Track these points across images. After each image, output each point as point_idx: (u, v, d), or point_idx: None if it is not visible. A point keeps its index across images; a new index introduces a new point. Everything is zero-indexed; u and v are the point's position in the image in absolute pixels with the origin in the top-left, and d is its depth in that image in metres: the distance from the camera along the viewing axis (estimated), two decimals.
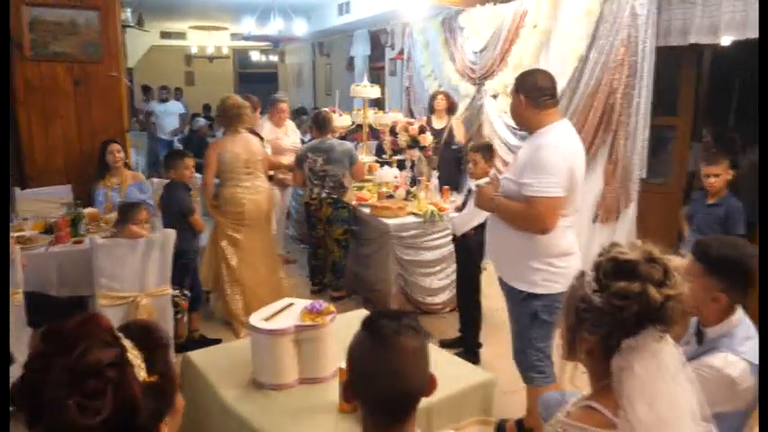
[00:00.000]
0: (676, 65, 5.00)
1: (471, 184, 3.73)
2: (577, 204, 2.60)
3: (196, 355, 2.32)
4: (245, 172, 4.27)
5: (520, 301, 2.58)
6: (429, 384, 1.29)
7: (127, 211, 3.53)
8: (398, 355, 1.23)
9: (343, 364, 1.89)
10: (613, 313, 1.29)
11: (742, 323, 1.91)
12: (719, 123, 7.29)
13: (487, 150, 3.71)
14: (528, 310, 2.54)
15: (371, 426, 1.28)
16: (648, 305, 1.24)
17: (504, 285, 2.69)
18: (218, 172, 4.27)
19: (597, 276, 1.35)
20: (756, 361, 1.82)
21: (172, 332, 3.50)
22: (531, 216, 2.40)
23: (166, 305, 3.44)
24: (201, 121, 9.53)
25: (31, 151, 4.92)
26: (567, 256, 2.53)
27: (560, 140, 2.44)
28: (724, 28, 3.92)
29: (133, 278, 3.32)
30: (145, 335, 1.04)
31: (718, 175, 3.50)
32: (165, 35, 14.17)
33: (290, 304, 2.20)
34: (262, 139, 5.01)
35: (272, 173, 5.06)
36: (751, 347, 1.85)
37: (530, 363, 2.67)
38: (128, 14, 7.55)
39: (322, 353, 2.05)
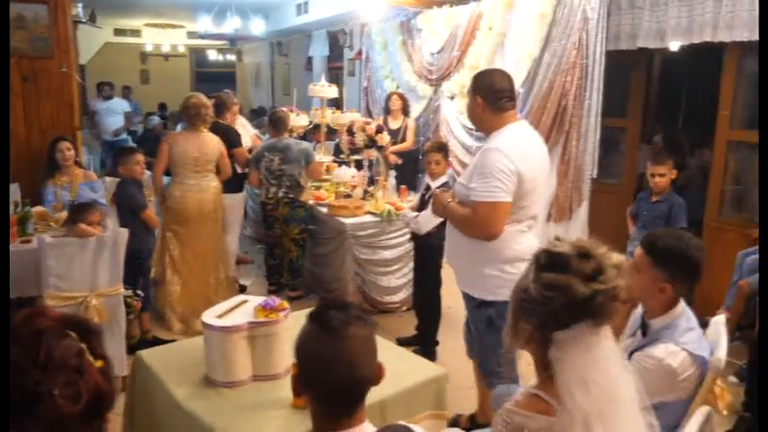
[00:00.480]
0: (627, 68, 5.17)
1: (433, 183, 3.77)
2: (535, 209, 2.54)
3: (147, 354, 2.28)
4: (192, 170, 4.28)
5: (474, 308, 2.56)
6: (377, 372, 1.32)
7: (79, 212, 3.45)
8: (349, 345, 1.25)
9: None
10: (544, 303, 1.33)
11: (684, 315, 1.98)
12: (669, 126, 7.56)
13: (446, 150, 3.76)
14: (483, 317, 2.52)
15: (322, 418, 1.30)
16: (575, 298, 1.28)
17: (462, 292, 2.66)
18: (169, 166, 4.30)
19: (533, 267, 1.40)
20: (697, 351, 1.89)
21: (124, 333, 3.43)
22: (475, 221, 2.35)
23: (118, 305, 3.37)
24: (156, 120, 9.36)
25: None
26: (521, 263, 2.49)
27: (510, 143, 2.36)
28: (671, 33, 4.07)
29: (83, 278, 3.24)
30: (78, 324, 1.05)
31: (663, 175, 3.64)
32: (119, 32, 13.88)
33: (244, 301, 2.19)
34: (239, 135, 5.02)
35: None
36: (691, 338, 1.92)
37: (491, 368, 2.65)
38: (79, 9, 7.35)
39: (276, 349, 2.05)
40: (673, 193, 3.76)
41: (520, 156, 2.34)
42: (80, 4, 7.42)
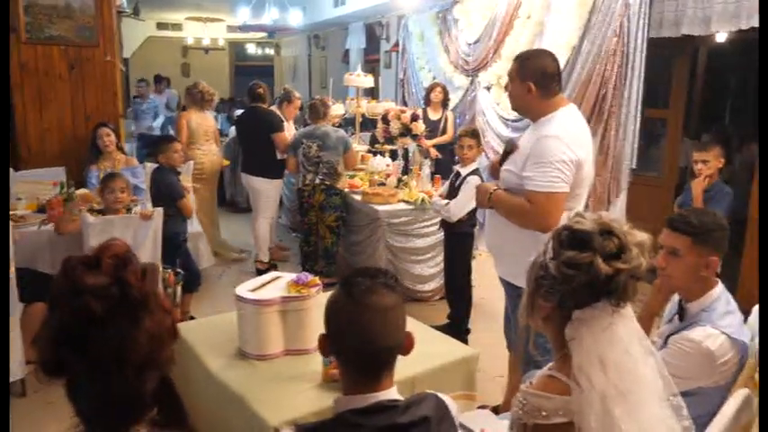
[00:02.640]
0: (670, 58, 5.05)
1: (463, 169, 3.76)
2: (585, 196, 2.45)
3: (183, 327, 2.34)
4: (204, 139, 5.43)
5: (517, 297, 2.49)
6: (406, 343, 1.32)
7: (103, 181, 3.56)
8: (370, 313, 1.25)
9: None
10: (564, 282, 1.30)
11: (722, 297, 1.93)
12: (714, 120, 7.36)
13: (478, 136, 3.75)
14: None
15: (349, 380, 1.31)
16: (597, 277, 1.25)
17: (503, 281, 2.61)
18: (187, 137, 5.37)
19: (554, 244, 1.37)
20: (736, 336, 1.84)
21: None
22: (531, 212, 2.25)
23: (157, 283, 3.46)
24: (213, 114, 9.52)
25: (25, 134, 4.94)
26: None
27: (565, 129, 2.26)
28: (716, 19, 3.94)
29: None
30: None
31: (706, 162, 3.52)
32: (161, 26, 14.17)
33: (277, 277, 2.23)
34: (282, 121, 5.21)
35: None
36: (731, 322, 1.87)
37: (529, 357, 2.62)
38: (123, 1, 7.54)
39: (307, 324, 2.07)
40: (720, 182, 3.63)
41: (577, 143, 2.26)
42: None
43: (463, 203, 3.66)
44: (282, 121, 5.22)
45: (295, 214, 6.45)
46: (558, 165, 2.21)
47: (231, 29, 14.37)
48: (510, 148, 2.71)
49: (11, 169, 4.56)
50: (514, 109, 2.57)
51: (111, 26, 5.05)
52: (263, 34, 12.85)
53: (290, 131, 5.56)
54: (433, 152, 5.55)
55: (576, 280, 1.27)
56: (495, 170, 2.72)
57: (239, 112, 7.41)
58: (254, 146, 5.15)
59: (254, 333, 2.06)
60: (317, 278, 2.14)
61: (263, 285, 2.15)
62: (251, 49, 15.40)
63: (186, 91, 5.70)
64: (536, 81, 2.33)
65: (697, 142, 4.86)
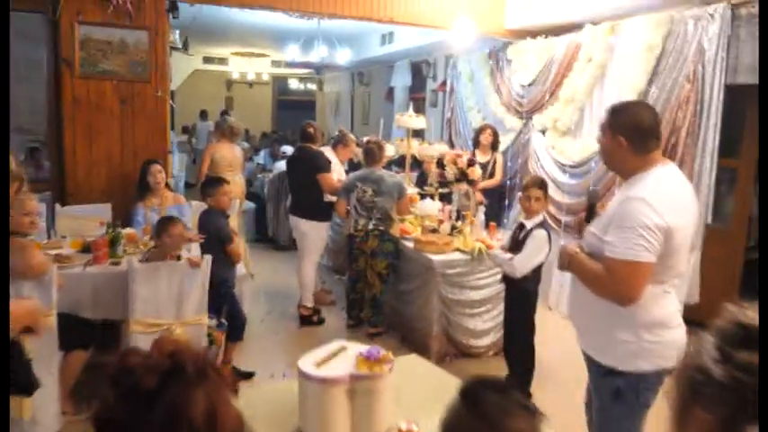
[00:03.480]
0: (741, 103, 4.76)
1: (528, 221, 3.52)
2: (682, 267, 2.16)
3: (241, 397, 2.12)
4: (227, 169, 5.61)
5: (600, 377, 2.20)
6: None
7: (162, 225, 3.40)
8: None
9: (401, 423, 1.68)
10: (737, 390, 1.05)
11: None
12: None
13: (546, 187, 3.51)
14: (609, 388, 2.15)
15: None
16: None
17: (585, 356, 2.34)
18: (210, 167, 5.64)
19: (719, 343, 1.12)
20: None
21: None
22: (608, 281, 2.02)
23: (201, 335, 3.28)
24: (245, 145, 9.53)
25: (73, 167, 4.89)
26: (663, 329, 2.11)
27: (654, 191, 2.00)
28: None
29: (169, 304, 3.17)
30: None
31: None
32: (207, 60, 14.40)
33: (343, 348, 2.00)
34: (329, 162, 5.06)
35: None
36: None
37: None
38: (176, 37, 7.60)
39: (377, 407, 1.84)
40: None
41: (670, 207, 2.00)
42: (177, 31, 7.66)
43: (529, 259, 3.41)
44: (329, 162, 5.06)
45: (338, 256, 6.27)
46: (642, 230, 1.95)
47: (275, 63, 14.53)
48: (593, 199, 2.48)
49: (57, 204, 4.51)
50: (606, 164, 2.33)
51: (163, 62, 5.01)
52: (308, 70, 12.92)
53: (340, 174, 5.41)
54: (479, 196, 5.31)
55: (752, 388, 1.02)
56: (580, 226, 2.48)
57: (285, 148, 7.34)
58: (302, 187, 5.01)
59: (319, 414, 1.83)
60: (389, 353, 1.90)
61: (329, 358, 1.93)
62: (294, 84, 15.53)
63: (215, 125, 6.15)
64: (628, 136, 2.10)
65: None
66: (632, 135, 2.10)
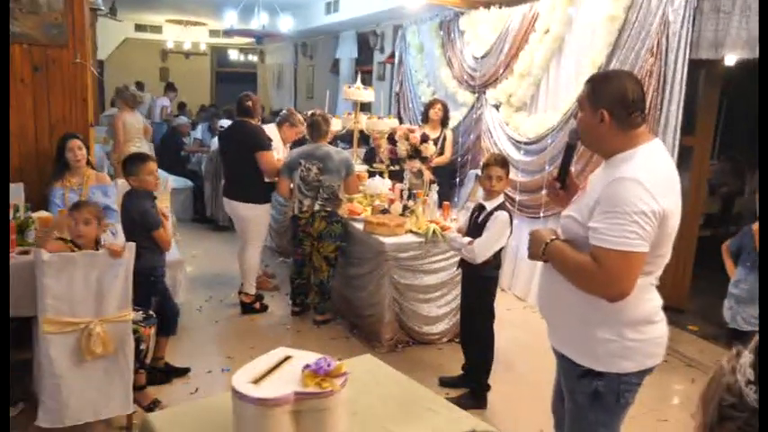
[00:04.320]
0: (697, 80, 4.64)
1: (488, 203, 3.27)
2: (668, 257, 1.91)
3: (157, 418, 1.79)
4: (137, 137, 6.41)
5: (576, 377, 1.96)
6: None
7: (72, 210, 2.96)
8: None
9: None
10: None
11: None
12: (729, 146, 6.99)
13: (508, 165, 3.26)
14: (587, 389, 1.93)
15: None
16: None
17: (556, 353, 2.10)
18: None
19: (755, 360, 0.89)
20: None
21: (132, 365, 2.94)
22: (596, 274, 1.76)
23: (126, 333, 2.89)
24: (183, 120, 8.94)
25: None
26: (647, 326, 1.90)
27: (649, 171, 1.77)
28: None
29: (87, 300, 2.76)
30: None
31: None
32: (139, 28, 13.54)
33: (287, 357, 1.69)
34: (270, 140, 4.59)
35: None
36: None
37: None
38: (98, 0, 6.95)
39: (329, 430, 1.54)
40: None
41: (663, 190, 1.77)
42: None
43: (491, 243, 3.16)
44: (270, 141, 4.61)
45: (282, 236, 5.91)
46: (636, 216, 1.71)
47: (214, 33, 13.80)
48: (572, 140, 2.10)
49: None
50: (584, 143, 2.05)
51: (82, 24, 4.46)
52: (248, 40, 12.30)
53: (282, 155, 5.02)
54: (428, 174, 5.03)
55: None
56: (553, 190, 2.20)
57: (224, 122, 6.86)
58: (239, 166, 4.51)
59: None
60: (342, 364, 1.60)
61: (269, 372, 1.62)
62: (234, 55, 14.79)
63: (117, 92, 6.63)
64: (611, 109, 1.84)
65: None
66: (616, 108, 1.84)
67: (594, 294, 1.82)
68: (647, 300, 1.90)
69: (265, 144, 4.47)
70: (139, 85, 11.37)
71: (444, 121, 5.70)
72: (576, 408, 1.99)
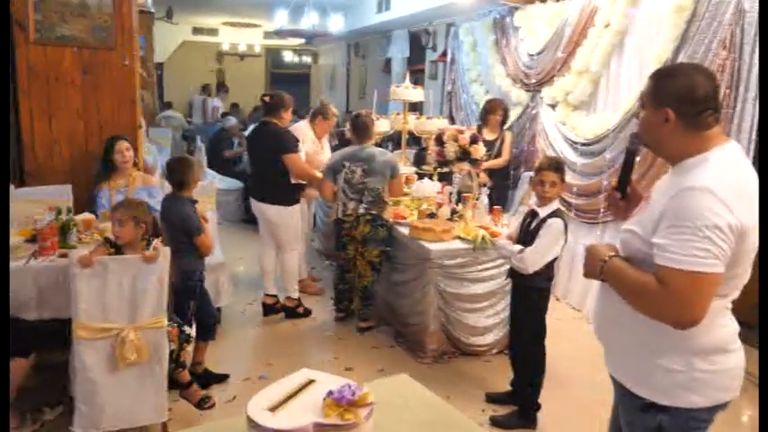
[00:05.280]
0: None
1: (541, 209, 3.04)
2: (746, 277, 1.67)
3: None
4: None
5: (637, 410, 1.74)
6: None
7: (113, 211, 2.91)
8: None
9: None
10: None
11: None
12: None
13: (563, 170, 3.02)
14: (649, 424, 1.71)
15: None
16: None
17: (614, 380, 1.87)
18: None
19: None
20: None
21: (166, 372, 2.86)
22: (662, 298, 1.53)
23: (161, 340, 2.81)
24: (232, 120, 8.99)
25: (31, 145, 4.37)
26: (721, 355, 1.66)
27: (723, 180, 1.54)
28: None
29: (121, 305, 2.70)
30: None
31: None
32: (196, 31, 13.80)
33: (310, 382, 1.54)
34: (297, 141, 4.41)
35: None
36: None
37: None
38: (148, 1, 7.03)
39: None
40: None
41: (741, 201, 1.53)
42: None
43: (543, 253, 2.94)
44: (297, 141, 4.38)
45: (329, 239, 5.79)
46: (708, 232, 1.48)
47: (268, 35, 13.92)
48: (633, 147, 1.88)
49: (11, 186, 4.03)
50: (648, 145, 1.81)
51: (130, 27, 4.46)
52: (301, 41, 12.32)
53: (319, 151, 4.90)
54: (483, 177, 4.81)
55: None
56: (612, 200, 1.95)
57: None
58: (264, 168, 4.36)
59: None
60: (367, 393, 1.44)
61: (289, 398, 1.47)
62: (288, 56, 14.90)
63: None
64: (677, 107, 1.62)
65: None
66: (683, 106, 1.62)
67: (659, 320, 1.59)
68: (721, 326, 1.66)
69: (291, 145, 4.28)
70: (205, 88, 11.61)
71: (504, 123, 5.48)
72: None
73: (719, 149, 1.62)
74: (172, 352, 2.92)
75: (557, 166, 3.01)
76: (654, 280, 1.55)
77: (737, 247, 1.53)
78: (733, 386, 1.69)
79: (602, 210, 4.57)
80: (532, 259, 2.93)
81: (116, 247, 2.84)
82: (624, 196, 1.91)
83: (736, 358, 1.70)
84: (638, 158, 2.05)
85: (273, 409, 1.42)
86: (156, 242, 2.88)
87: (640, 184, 3.17)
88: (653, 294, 1.55)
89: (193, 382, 3.19)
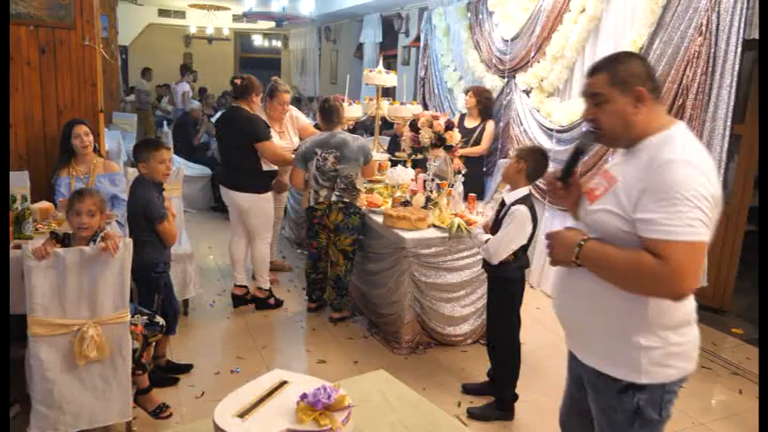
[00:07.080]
0: (749, 61, 4.25)
1: (508, 197, 2.97)
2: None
3: None
4: None
5: (614, 394, 1.70)
6: None
7: (73, 199, 2.73)
8: None
9: None
10: None
11: None
12: None
13: (545, 158, 2.96)
14: (627, 406, 1.68)
15: None
16: None
17: (580, 366, 1.83)
18: None
19: None
20: None
21: (130, 369, 2.73)
22: (662, 272, 1.49)
23: (123, 335, 2.67)
24: (195, 104, 8.74)
25: None
26: (688, 327, 1.68)
27: (697, 152, 1.57)
28: None
29: (79, 300, 2.55)
30: None
31: None
32: (162, 13, 13.38)
33: (283, 383, 1.44)
34: (268, 126, 4.24)
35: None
36: None
37: None
38: None
39: None
40: None
41: (712, 173, 1.56)
42: None
43: (506, 241, 2.86)
44: (268, 127, 4.20)
45: (300, 227, 5.68)
46: (697, 202, 1.48)
47: (237, 18, 13.59)
48: (583, 146, 1.86)
49: None
50: (609, 137, 1.73)
51: (90, 5, 4.25)
52: (271, 24, 12.06)
53: (288, 134, 4.74)
54: (458, 162, 4.72)
55: None
56: (554, 189, 1.91)
57: None
58: (235, 155, 4.17)
59: None
60: (344, 397, 1.34)
61: (260, 402, 1.37)
62: (257, 40, 14.58)
63: None
64: (644, 84, 1.65)
65: None
66: (647, 82, 1.66)
67: (657, 295, 1.57)
68: (692, 298, 1.66)
69: (263, 132, 4.10)
70: (145, 73, 11.22)
71: (487, 113, 5.41)
72: (614, 428, 1.72)
73: (678, 126, 1.65)
74: (134, 351, 2.78)
75: (533, 154, 2.96)
76: (649, 255, 1.50)
77: (714, 216, 1.55)
78: (695, 356, 1.71)
79: None
80: (496, 248, 2.86)
81: (63, 243, 2.67)
82: (566, 186, 1.89)
83: (696, 329, 1.73)
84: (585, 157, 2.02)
85: (243, 414, 1.32)
86: (105, 233, 2.72)
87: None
88: (650, 269, 1.50)
89: (152, 388, 3.03)
